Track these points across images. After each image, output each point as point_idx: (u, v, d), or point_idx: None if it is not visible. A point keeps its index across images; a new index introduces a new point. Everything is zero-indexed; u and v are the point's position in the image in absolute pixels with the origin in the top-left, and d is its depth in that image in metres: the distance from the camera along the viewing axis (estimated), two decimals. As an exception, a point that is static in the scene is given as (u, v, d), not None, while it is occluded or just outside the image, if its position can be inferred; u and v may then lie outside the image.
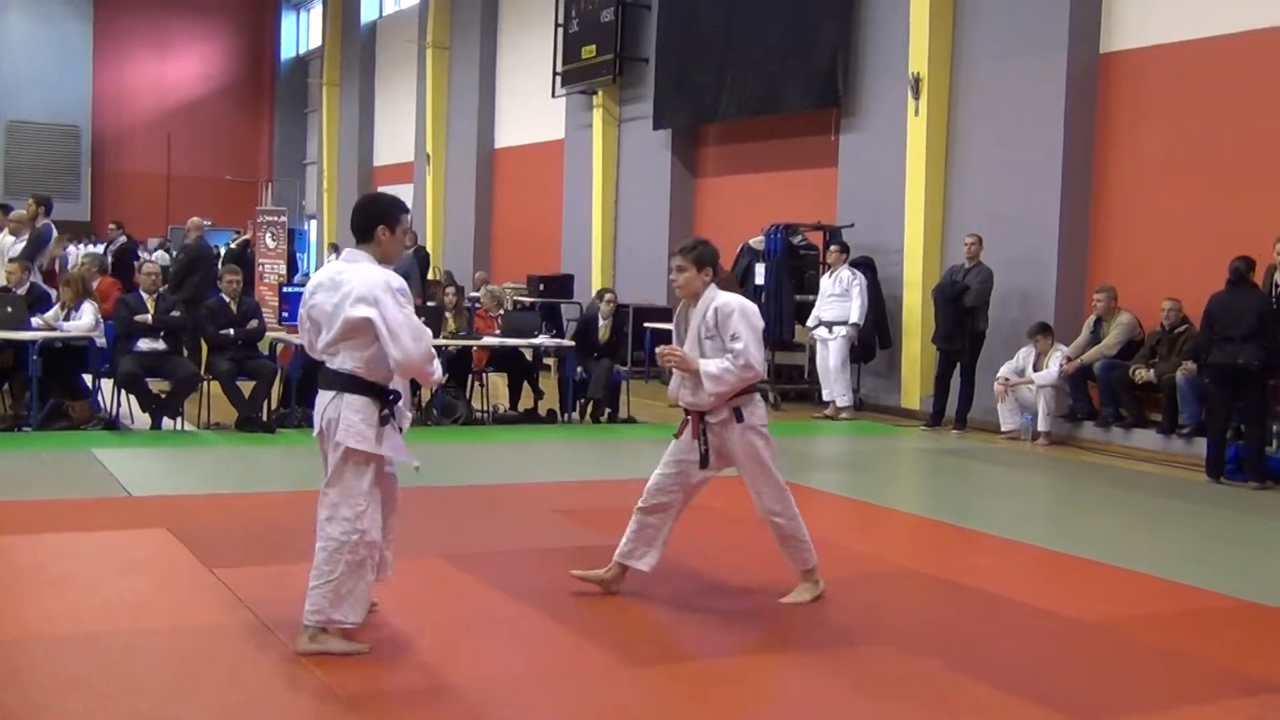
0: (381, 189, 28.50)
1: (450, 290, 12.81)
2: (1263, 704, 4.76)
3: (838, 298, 13.49)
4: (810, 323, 13.85)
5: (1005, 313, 12.82)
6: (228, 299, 11.17)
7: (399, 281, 4.83)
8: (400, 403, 4.93)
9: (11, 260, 11.57)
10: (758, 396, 5.74)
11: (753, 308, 5.69)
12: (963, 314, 12.30)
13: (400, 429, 4.94)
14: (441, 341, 11.75)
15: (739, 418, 5.62)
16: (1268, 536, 8.19)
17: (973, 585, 6.42)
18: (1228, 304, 9.71)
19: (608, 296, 13.37)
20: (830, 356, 13.54)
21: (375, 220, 4.92)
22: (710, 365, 5.51)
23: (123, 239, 18.89)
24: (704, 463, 5.66)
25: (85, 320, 10.75)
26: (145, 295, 10.92)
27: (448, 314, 12.24)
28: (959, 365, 12.45)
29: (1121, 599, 6.28)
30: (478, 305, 14.32)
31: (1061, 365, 11.79)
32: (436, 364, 4.96)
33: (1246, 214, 11.02)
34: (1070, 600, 6.20)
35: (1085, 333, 11.93)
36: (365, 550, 4.81)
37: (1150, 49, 12.02)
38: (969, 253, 12.44)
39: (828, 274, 13.73)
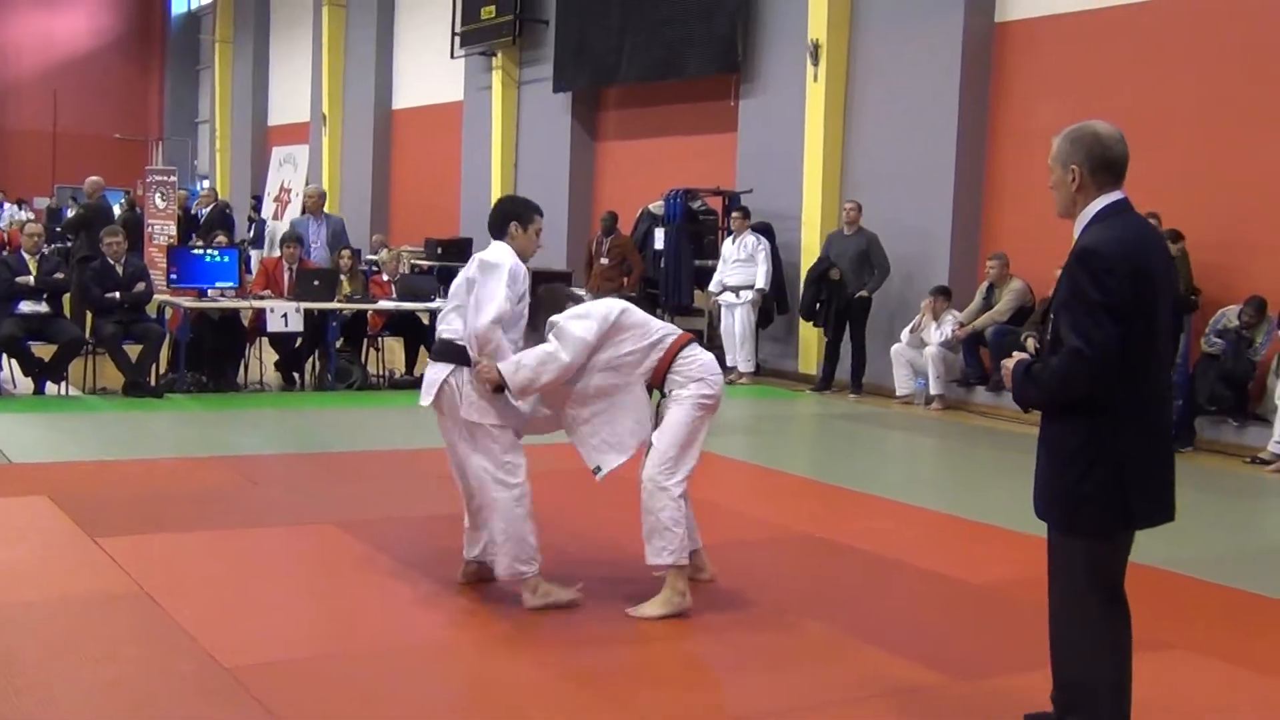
0: (276, 149, 28.06)
1: (345, 253, 12.61)
2: (1153, 661, 4.86)
3: (742, 263, 13.51)
4: (713, 288, 13.85)
5: (898, 278, 12.96)
6: (112, 261, 10.88)
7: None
8: None
9: None
10: (670, 375, 5.25)
11: (598, 306, 5.31)
12: (827, 289, 12.62)
13: None
14: (335, 305, 11.60)
15: None
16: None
17: (865, 549, 6.49)
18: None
19: None
20: (736, 322, 13.58)
21: (508, 217, 5.30)
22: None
23: None
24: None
25: (-35, 282, 10.43)
26: (27, 256, 10.60)
27: (343, 277, 12.05)
28: (848, 330, 12.63)
29: (1011, 561, 6.38)
30: (374, 269, 14.14)
31: (954, 330, 11.97)
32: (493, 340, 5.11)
33: (1137, 183, 11.20)
34: (961, 562, 6.31)
35: (978, 299, 12.10)
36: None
37: (1044, 18, 12.17)
38: (848, 218, 12.61)
39: (731, 239, 13.74)
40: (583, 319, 5.17)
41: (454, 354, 5.13)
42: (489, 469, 5.12)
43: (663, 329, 5.32)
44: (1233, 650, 5.06)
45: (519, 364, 5.02)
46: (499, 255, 5.16)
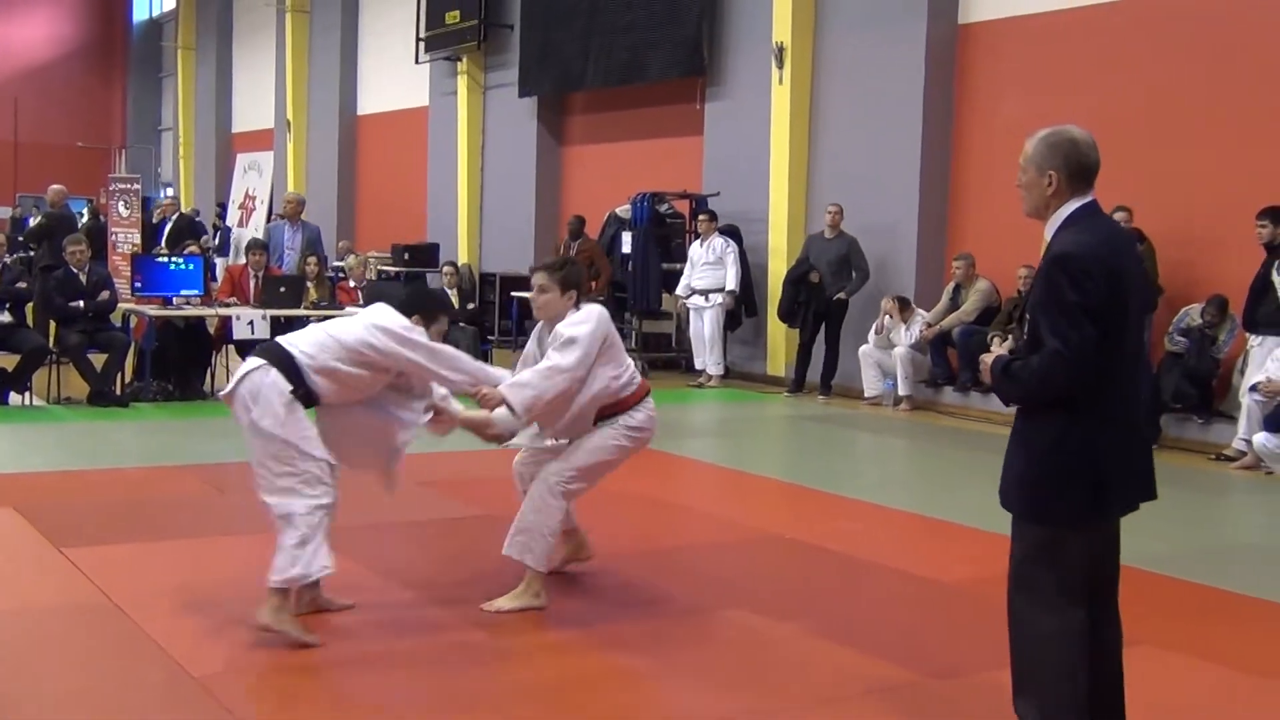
0: (240, 156, 27.92)
1: (312, 260, 12.54)
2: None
3: (711, 266, 13.52)
4: (681, 291, 13.85)
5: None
6: (75, 270, 10.79)
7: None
8: None
9: None
10: (631, 412, 5.22)
11: (592, 311, 5.17)
12: (807, 291, 12.59)
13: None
14: (303, 312, 11.53)
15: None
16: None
17: (835, 549, 6.50)
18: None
19: (446, 269, 14.39)
20: (705, 325, 13.59)
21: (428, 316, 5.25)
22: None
23: None
24: None
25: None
26: (-12, 266, 10.51)
27: (309, 284, 11.99)
28: (823, 332, 12.65)
29: (981, 560, 6.40)
30: (341, 275, 14.06)
31: (921, 331, 12.03)
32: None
33: (1100, 182, 11.27)
34: (932, 562, 6.32)
35: (944, 299, 12.16)
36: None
37: (1008, 20, 12.24)
38: (831, 221, 12.61)
39: (699, 242, 13.75)
40: (580, 324, 5.06)
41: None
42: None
43: (630, 363, 5.32)
44: (1200, 645, 5.10)
45: (522, 383, 4.93)
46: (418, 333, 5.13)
